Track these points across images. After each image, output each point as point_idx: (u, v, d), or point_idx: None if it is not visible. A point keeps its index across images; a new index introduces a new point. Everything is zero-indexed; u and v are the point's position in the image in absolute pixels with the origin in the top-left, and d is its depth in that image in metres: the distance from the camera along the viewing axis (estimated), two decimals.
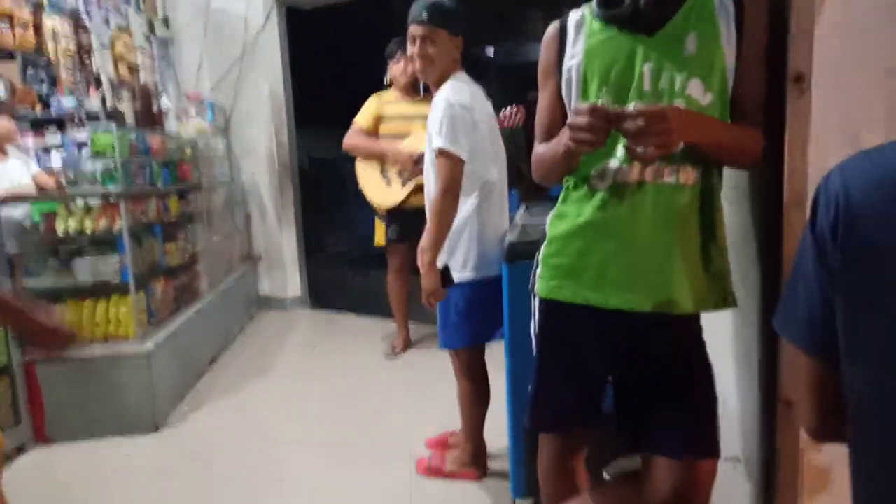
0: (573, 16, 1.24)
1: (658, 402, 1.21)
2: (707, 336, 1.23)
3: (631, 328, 1.20)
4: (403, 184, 3.31)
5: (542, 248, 1.29)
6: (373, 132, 3.41)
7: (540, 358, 1.33)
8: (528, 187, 2.54)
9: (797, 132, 1.05)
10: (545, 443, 1.41)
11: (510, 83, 4.68)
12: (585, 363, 1.27)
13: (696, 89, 1.10)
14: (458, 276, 1.98)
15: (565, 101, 1.24)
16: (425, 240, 1.94)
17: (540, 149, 1.29)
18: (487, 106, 2.05)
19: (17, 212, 2.84)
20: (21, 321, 1.22)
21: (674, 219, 1.12)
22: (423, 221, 3.41)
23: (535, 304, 1.32)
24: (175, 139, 3.71)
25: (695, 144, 1.07)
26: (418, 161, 3.24)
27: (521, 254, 1.72)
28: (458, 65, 2.03)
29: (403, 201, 3.33)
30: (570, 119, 1.04)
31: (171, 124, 4.17)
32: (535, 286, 1.30)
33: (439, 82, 2.00)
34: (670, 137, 0.99)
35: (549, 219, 1.30)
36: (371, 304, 4.39)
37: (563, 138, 1.12)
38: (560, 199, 1.27)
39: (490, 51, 6.63)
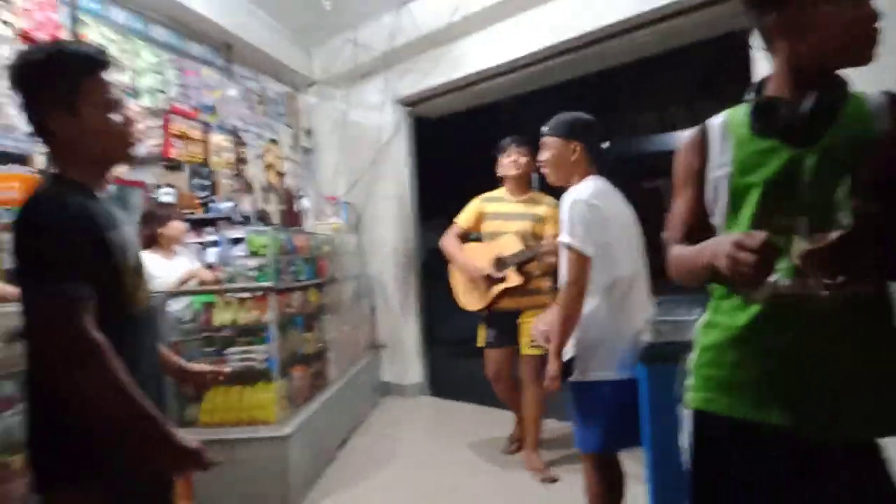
0: (716, 122, 1.23)
1: None
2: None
3: (796, 452, 1.10)
4: (486, 290, 3.33)
5: (693, 356, 1.26)
6: (473, 231, 3.53)
7: (695, 474, 1.25)
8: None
9: None
10: None
11: (624, 174, 4.73)
12: (746, 484, 1.17)
13: (858, 199, 1.05)
14: (592, 374, 1.96)
15: (709, 208, 1.23)
16: (554, 326, 1.99)
17: (679, 251, 1.26)
18: (619, 201, 2.09)
19: (179, 304, 3.21)
20: (182, 373, 1.60)
21: (843, 335, 1.06)
22: (516, 324, 3.28)
23: (687, 414, 1.28)
24: (315, 237, 4.07)
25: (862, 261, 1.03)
26: (500, 268, 3.26)
27: (659, 356, 1.69)
28: (581, 167, 2.13)
29: (490, 305, 3.33)
30: (732, 251, 0.96)
31: (309, 223, 4.60)
32: (686, 396, 1.27)
33: (566, 184, 2.13)
34: (846, 265, 0.95)
35: (697, 326, 1.28)
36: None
37: (707, 253, 1.08)
38: (710, 308, 1.25)
39: (605, 143, 6.81)
